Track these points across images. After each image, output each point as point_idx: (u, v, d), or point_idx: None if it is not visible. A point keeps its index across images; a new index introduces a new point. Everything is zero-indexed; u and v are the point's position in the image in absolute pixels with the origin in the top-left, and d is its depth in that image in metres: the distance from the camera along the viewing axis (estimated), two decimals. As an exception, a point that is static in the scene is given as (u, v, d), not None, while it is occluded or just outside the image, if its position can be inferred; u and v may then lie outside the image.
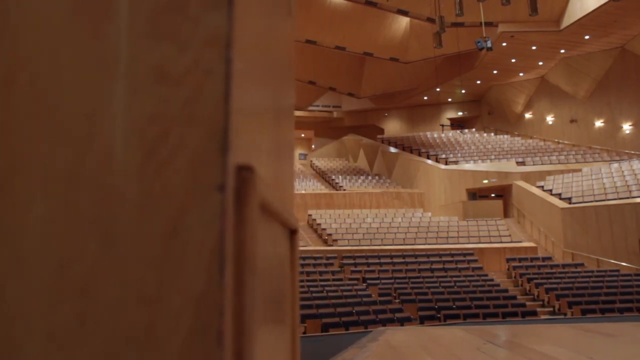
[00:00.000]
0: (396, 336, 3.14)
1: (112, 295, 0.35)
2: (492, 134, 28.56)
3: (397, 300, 12.91)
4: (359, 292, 13.24)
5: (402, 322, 11.07)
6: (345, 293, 13.02)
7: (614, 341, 2.54)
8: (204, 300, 0.35)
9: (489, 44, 19.08)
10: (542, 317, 12.31)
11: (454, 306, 12.32)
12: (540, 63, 24.82)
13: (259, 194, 0.39)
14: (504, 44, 22.51)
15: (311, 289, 13.27)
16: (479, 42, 19.28)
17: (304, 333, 10.69)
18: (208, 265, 0.36)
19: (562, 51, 23.35)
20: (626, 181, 17.46)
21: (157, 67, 0.37)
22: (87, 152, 0.37)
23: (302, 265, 15.60)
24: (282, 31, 0.66)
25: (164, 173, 0.36)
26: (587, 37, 21.53)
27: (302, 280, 14.21)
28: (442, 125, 31.07)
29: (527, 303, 13.26)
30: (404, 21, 24.78)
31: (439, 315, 11.88)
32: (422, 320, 11.47)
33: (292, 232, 0.66)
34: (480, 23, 20.02)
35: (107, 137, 0.38)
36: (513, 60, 24.56)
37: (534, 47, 22.94)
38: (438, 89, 28.56)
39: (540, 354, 2.21)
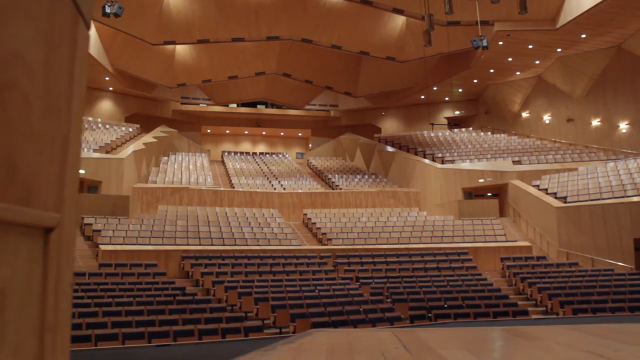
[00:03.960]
0: (318, 339, 3.08)
1: None
2: (489, 133, 28.49)
3: (388, 300, 12.85)
4: (351, 292, 13.19)
5: (392, 321, 11.01)
6: (337, 292, 12.97)
7: (532, 345, 2.48)
8: None
9: (484, 43, 18.99)
10: (534, 316, 12.24)
11: (445, 305, 12.25)
12: (537, 62, 24.75)
13: None
14: (500, 43, 22.43)
15: (303, 288, 13.23)
16: (474, 41, 19.20)
17: (293, 332, 10.59)
18: None
19: (559, 50, 23.27)
20: (621, 180, 17.37)
21: None
22: None
23: (295, 265, 15.57)
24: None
25: None
26: (583, 35, 21.45)
27: (294, 280, 14.18)
28: (432, 124, 30.90)
29: (520, 302, 13.19)
30: (400, 20, 24.70)
31: (429, 315, 11.81)
32: (413, 320, 11.40)
33: (48, 231, 0.60)
34: (476, 22, 19.93)
35: None
36: (509, 59, 24.48)
37: (530, 46, 22.86)
38: (435, 88, 28.49)
39: (441, 358, 2.16)
